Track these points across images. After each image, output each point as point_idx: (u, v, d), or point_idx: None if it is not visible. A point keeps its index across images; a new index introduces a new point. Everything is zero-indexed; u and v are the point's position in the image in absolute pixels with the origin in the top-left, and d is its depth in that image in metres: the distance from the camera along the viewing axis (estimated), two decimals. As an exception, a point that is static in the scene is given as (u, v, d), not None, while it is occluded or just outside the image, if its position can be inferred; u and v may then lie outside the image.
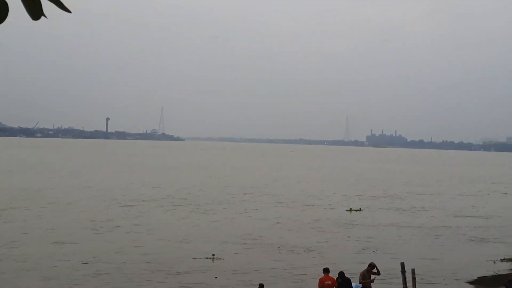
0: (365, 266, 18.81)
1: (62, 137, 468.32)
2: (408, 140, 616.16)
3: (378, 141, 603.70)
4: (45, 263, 23.95)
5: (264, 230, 33.65)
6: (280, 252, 27.47)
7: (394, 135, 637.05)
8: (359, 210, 43.76)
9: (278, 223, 36.77)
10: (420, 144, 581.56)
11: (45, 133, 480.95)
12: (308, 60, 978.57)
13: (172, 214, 39.90)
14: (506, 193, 64.47)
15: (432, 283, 22.27)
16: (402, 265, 18.37)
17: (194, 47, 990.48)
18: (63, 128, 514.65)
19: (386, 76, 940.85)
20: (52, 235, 30.11)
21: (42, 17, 2.87)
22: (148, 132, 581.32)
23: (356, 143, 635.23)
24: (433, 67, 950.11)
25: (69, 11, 2.95)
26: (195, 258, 25.35)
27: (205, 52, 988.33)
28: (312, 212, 43.11)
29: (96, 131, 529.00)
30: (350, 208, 44.27)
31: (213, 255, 25.74)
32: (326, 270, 17.32)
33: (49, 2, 2.80)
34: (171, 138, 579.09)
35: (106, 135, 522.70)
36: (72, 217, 36.87)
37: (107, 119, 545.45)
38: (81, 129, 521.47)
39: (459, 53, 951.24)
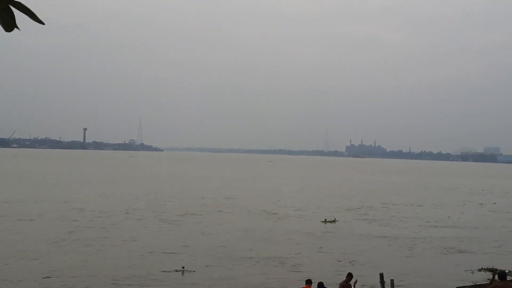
0: (343, 277, 18.33)
1: (39, 148, 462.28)
2: (387, 150, 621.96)
3: (358, 151, 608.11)
4: (5, 277, 22.66)
5: (237, 242, 32.71)
6: (253, 264, 26.58)
7: (373, 146, 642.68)
8: (334, 221, 43.03)
9: (251, 234, 35.83)
10: (399, 154, 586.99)
11: (21, 143, 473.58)
12: (287, 71, 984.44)
13: (142, 225, 38.51)
14: (481, 204, 64.43)
15: (410, 295, 21.66)
16: (381, 275, 17.96)
17: (172, 58, 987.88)
18: (39, 138, 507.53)
19: (365, 87, 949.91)
20: (15, 248, 28.75)
21: (15, 28, 2.94)
22: (126, 142, 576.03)
23: (335, 153, 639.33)
24: (411, 77, 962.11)
25: (42, 23, 3.01)
26: (164, 271, 24.29)
27: (183, 63, 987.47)
28: (286, 223, 42.25)
29: (73, 141, 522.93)
30: (325, 219, 43.52)
31: (183, 267, 24.69)
32: (308, 282, 17.56)
33: (22, 14, 2.87)
34: (149, 148, 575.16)
35: (83, 145, 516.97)
36: (37, 229, 35.38)
37: (85, 129, 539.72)
38: (58, 139, 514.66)
39: (436, 63, 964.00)
